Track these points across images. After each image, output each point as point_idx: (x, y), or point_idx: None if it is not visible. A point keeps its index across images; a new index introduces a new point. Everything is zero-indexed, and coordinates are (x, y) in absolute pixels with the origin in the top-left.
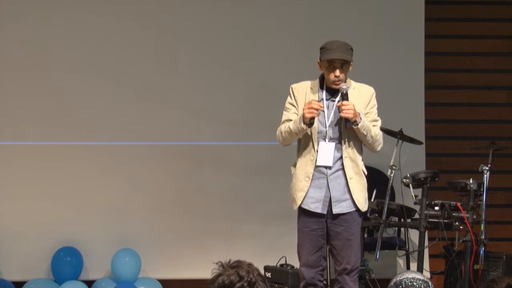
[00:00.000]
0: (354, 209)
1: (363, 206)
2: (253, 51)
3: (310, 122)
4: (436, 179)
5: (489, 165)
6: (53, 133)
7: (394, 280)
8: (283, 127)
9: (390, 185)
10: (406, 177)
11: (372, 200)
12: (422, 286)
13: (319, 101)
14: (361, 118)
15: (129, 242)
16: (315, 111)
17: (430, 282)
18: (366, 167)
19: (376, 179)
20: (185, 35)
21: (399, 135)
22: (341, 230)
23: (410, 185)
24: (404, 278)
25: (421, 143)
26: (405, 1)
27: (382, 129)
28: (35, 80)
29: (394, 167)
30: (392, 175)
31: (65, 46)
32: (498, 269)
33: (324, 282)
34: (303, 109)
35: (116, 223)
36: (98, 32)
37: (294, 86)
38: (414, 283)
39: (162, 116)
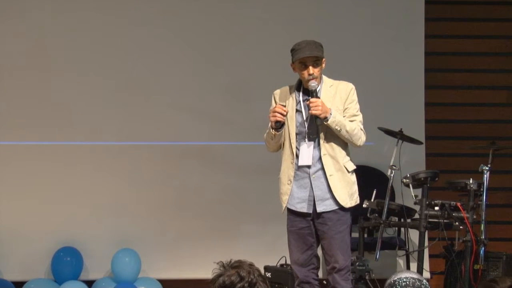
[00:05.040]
0: (337, 207)
1: (346, 202)
2: (254, 51)
3: (277, 127)
4: (436, 179)
5: (489, 165)
6: (53, 133)
7: (388, 281)
8: (265, 134)
9: (390, 185)
10: (406, 177)
11: (372, 200)
12: (416, 284)
13: (297, 103)
14: (331, 114)
15: (129, 242)
16: (279, 115)
17: (424, 280)
18: (364, 166)
19: (376, 179)
20: (186, 36)
21: (399, 135)
22: (326, 229)
23: (410, 185)
24: (397, 279)
25: (421, 143)
26: (405, 1)
27: (382, 129)
28: (35, 81)
29: (394, 167)
30: (392, 175)
31: (65, 46)
32: (498, 269)
33: (324, 282)
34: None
35: (116, 223)
36: (97, 33)
37: (275, 92)
38: (407, 282)
39: (161, 116)
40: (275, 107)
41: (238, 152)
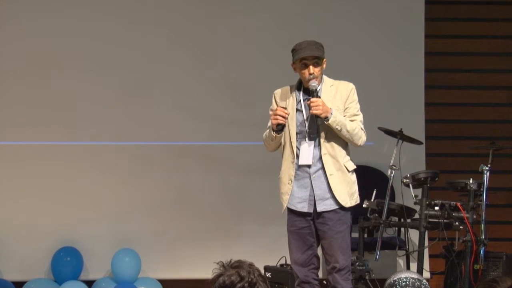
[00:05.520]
0: (337, 206)
1: (346, 202)
2: (254, 50)
3: (278, 129)
4: (436, 179)
5: (489, 165)
6: (53, 133)
7: (388, 281)
8: (264, 134)
9: (390, 185)
10: (406, 177)
11: (372, 200)
12: (416, 284)
13: (297, 102)
14: (332, 114)
15: (129, 242)
16: (281, 118)
17: (424, 280)
18: (364, 166)
19: (376, 179)
20: (186, 36)
21: (399, 135)
22: (327, 229)
23: (410, 185)
24: (397, 279)
25: (421, 143)
26: (405, 1)
27: (382, 129)
28: (35, 81)
29: (394, 167)
30: (392, 175)
31: (65, 47)
32: (498, 269)
33: (324, 282)
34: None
35: (116, 223)
36: (97, 33)
37: (276, 91)
38: (407, 282)
39: (162, 116)
40: (277, 109)
41: (238, 152)
